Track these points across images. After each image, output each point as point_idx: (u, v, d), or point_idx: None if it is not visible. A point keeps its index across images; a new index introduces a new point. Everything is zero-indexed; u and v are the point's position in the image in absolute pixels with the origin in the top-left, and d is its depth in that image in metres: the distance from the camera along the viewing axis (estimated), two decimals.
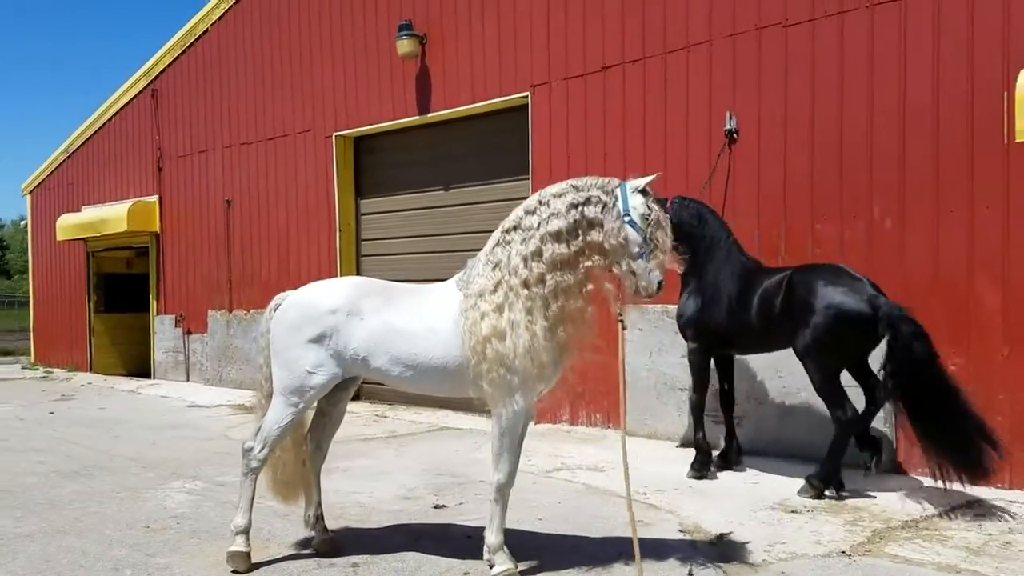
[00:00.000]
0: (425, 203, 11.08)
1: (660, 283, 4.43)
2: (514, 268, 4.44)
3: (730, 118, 7.78)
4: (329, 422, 5.23)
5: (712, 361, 7.14)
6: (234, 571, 4.74)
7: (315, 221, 12.11)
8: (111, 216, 15.28)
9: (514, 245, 4.51)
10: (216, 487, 6.90)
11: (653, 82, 8.40)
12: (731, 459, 7.22)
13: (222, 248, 13.71)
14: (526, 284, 4.39)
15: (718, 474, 7.05)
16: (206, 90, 14.03)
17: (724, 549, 5.17)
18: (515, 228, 4.57)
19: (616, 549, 5.17)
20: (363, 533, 5.56)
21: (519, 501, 6.30)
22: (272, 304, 5.07)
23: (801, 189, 7.37)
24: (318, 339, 4.72)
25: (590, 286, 4.47)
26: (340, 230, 11.78)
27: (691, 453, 7.82)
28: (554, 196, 4.50)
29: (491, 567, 4.58)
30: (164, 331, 15.08)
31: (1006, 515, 5.80)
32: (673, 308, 8.10)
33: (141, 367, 16.04)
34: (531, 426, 9.19)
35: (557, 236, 4.38)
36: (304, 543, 5.27)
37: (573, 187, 4.49)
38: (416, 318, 4.68)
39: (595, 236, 4.37)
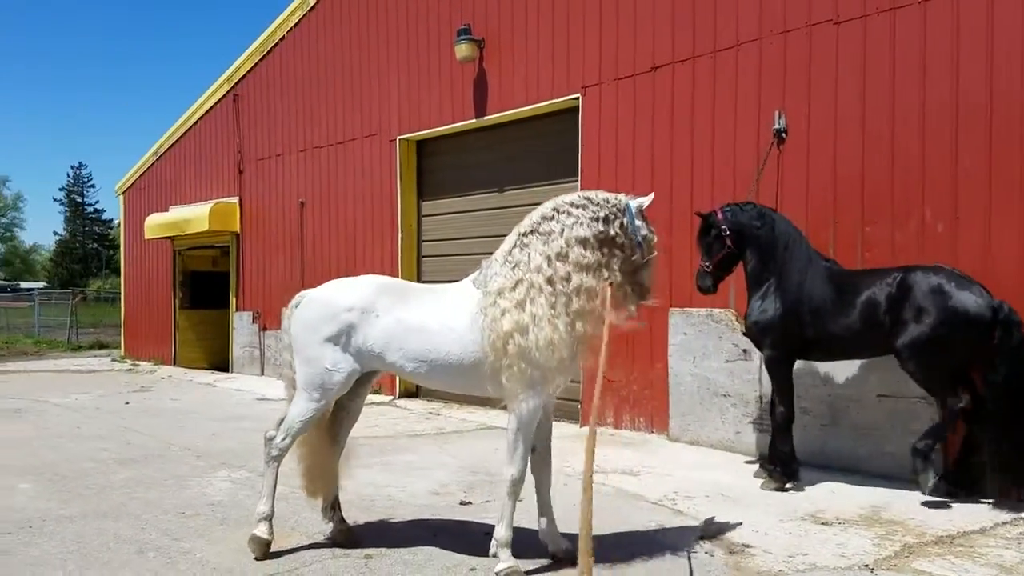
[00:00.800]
0: (481, 205, 11.20)
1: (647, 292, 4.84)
2: (537, 267, 4.60)
3: (779, 117, 7.60)
4: (347, 416, 5.39)
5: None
6: (254, 555, 4.94)
7: (379, 222, 12.39)
8: (194, 216, 15.97)
9: (534, 246, 4.67)
10: (260, 477, 7.12)
11: (702, 81, 8.28)
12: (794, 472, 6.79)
13: (295, 248, 14.17)
14: (550, 281, 4.57)
15: (755, 482, 6.87)
16: (283, 95, 14.52)
17: (740, 558, 5.07)
18: (533, 232, 4.75)
19: (628, 551, 5.13)
20: (385, 526, 5.68)
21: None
22: (292, 302, 5.24)
23: (851, 190, 7.14)
24: (335, 337, 4.89)
25: (608, 293, 4.65)
26: (402, 231, 12.02)
27: (731, 459, 7.73)
28: (572, 205, 4.72)
29: (496, 559, 4.67)
30: (242, 327, 15.67)
31: None
32: (718, 312, 8.00)
33: (223, 361, 16.70)
34: (576, 428, 9.30)
35: (584, 242, 4.60)
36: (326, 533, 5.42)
37: (589, 200, 4.73)
38: (431, 315, 4.83)
39: (617, 250, 4.66)
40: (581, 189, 9.36)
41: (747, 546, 5.28)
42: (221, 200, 15.94)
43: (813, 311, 6.35)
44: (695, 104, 8.35)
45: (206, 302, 18.00)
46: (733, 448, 7.93)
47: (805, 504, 6.23)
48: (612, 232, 4.65)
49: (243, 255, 15.68)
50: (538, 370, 4.53)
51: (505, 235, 10.46)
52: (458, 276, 10.89)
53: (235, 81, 15.76)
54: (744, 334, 7.09)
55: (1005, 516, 5.82)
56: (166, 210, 17.60)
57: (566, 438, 8.85)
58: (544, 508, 5.05)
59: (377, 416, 10.47)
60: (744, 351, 7.72)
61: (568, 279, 4.57)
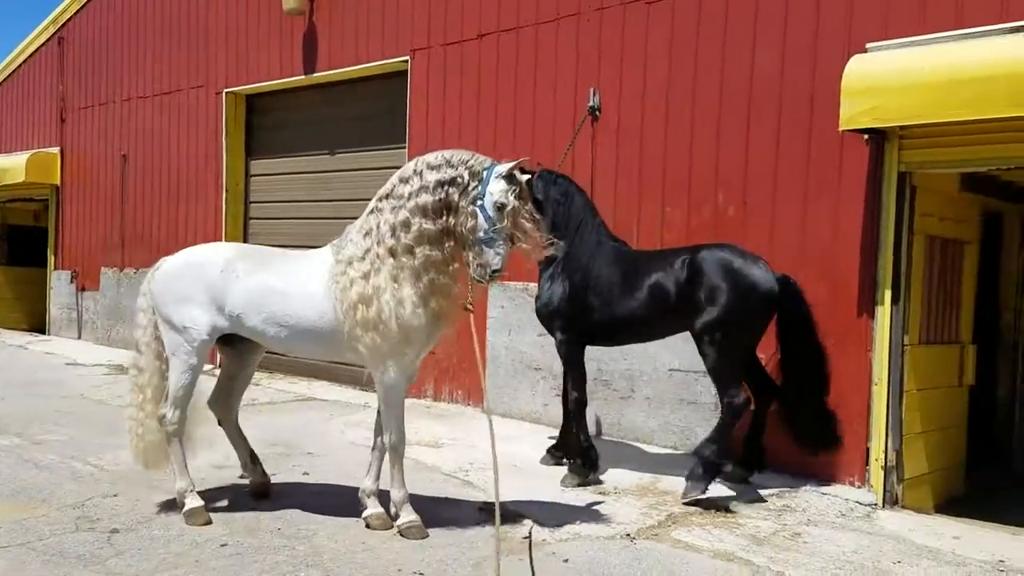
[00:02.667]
0: (312, 167, 10.82)
1: (494, 272, 4.52)
2: (382, 236, 4.59)
3: (594, 94, 7.63)
4: (237, 383, 5.49)
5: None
6: (191, 524, 4.87)
7: (205, 180, 11.79)
8: (10, 166, 14.76)
9: (384, 213, 4.65)
10: (30, 445, 6.67)
11: (525, 52, 8.22)
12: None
13: (117, 204, 13.32)
14: (392, 253, 4.54)
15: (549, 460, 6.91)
16: (110, 40, 13.54)
17: (511, 528, 5.09)
18: (388, 196, 4.70)
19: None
20: (146, 500, 5.36)
21: (328, 472, 6.22)
22: (155, 265, 5.18)
23: (655, 172, 7.26)
24: (194, 293, 4.88)
25: (456, 265, 4.60)
26: (227, 190, 11.47)
27: (538, 430, 7.79)
28: (428, 167, 4.61)
29: (396, 518, 4.88)
30: (60, 287, 14.67)
31: (812, 506, 5.79)
32: (534, 286, 8.00)
33: (43, 323, 15.61)
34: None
35: (424, 211, 4.51)
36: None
37: (447, 161, 4.59)
38: (291, 280, 4.84)
39: (451, 218, 4.51)
40: (409, 155, 9.22)
41: (522, 516, 5.32)
42: (41, 150, 14.79)
43: (598, 295, 6.00)
44: (519, 75, 8.29)
45: (27, 259, 16.72)
46: (541, 420, 8.01)
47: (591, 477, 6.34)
48: (452, 196, 4.46)
49: (63, 210, 14.64)
50: (386, 342, 4.56)
51: (336, 200, 10.35)
52: (286, 240, 10.64)
53: (61, 23, 14.60)
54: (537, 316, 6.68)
55: (775, 488, 6.10)
56: None
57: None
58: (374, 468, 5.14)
59: None
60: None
61: (411, 252, 4.51)
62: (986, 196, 6.80)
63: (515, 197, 4.50)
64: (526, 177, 4.75)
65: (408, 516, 4.88)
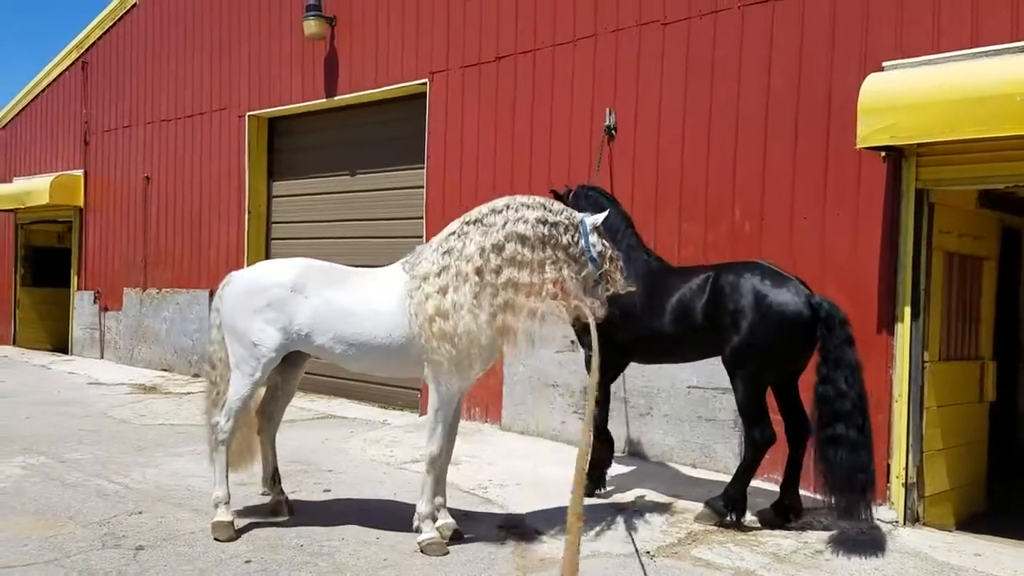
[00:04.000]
0: (333, 188, 10.96)
1: (605, 312, 4.91)
2: (468, 256, 4.78)
3: (610, 114, 7.70)
4: (282, 395, 5.55)
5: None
6: (216, 539, 4.95)
7: (228, 202, 11.95)
8: (35, 188, 15.01)
9: (472, 236, 4.84)
10: (57, 464, 6.77)
11: (542, 74, 8.32)
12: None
13: (139, 226, 13.52)
14: (479, 272, 4.74)
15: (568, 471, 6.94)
16: (133, 65, 13.80)
17: (529, 545, 5.12)
18: (477, 222, 4.89)
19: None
20: (170, 516, 5.44)
21: (348, 489, 6.28)
22: (224, 281, 5.34)
23: (671, 188, 7.30)
24: (263, 310, 5.02)
25: (549, 288, 4.80)
26: (249, 212, 11.63)
27: (556, 447, 7.82)
28: (523, 205, 4.86)
29: (418, 531, 4.97)
30: (83, 307, 14.86)
31: (833, 524, 5.75)
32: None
33: (66, 343, 15.81)
34: (415, 418, 9.23)
35: (523, 239, 4.74)
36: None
37: (543, 204, 4.90)
38: (360, 299, 5.00)
39: (564, 264, 4.79)
40: (428, 175, 9.34)
41: (539, 533, 5.35)
42: (65, 173, 15.05)
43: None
44: (536, 96, 8.38)
45: (50, 280, 16.96)
46: (559, 437, 8.03)
47: (611, 491, 6.35)
48: (564, 240, 4.80)
49: (86, 231, 14.86)
50: (460, 354, 4.75)
51: (356, 219, 10.47)
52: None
53: (84, 48, 14.88)
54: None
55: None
56: (10, 181, 16.50)
57: (400, 428, 8.80)
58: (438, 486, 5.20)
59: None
60: (572, 342, 7.78)
61: (499, 271, 4.72)
62: (1004, 213, 6.79)
63: (604, 242, 4.99)
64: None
65: (429, 533, 4.96)
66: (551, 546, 5.12)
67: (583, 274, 4.85)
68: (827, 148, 6.42)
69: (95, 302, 14.49)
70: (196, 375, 12.17)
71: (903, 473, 5.93)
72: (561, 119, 8.13)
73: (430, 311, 4.75)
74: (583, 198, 6.21)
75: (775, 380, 5.62)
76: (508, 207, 4.87)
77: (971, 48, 5.63)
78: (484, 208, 4.96)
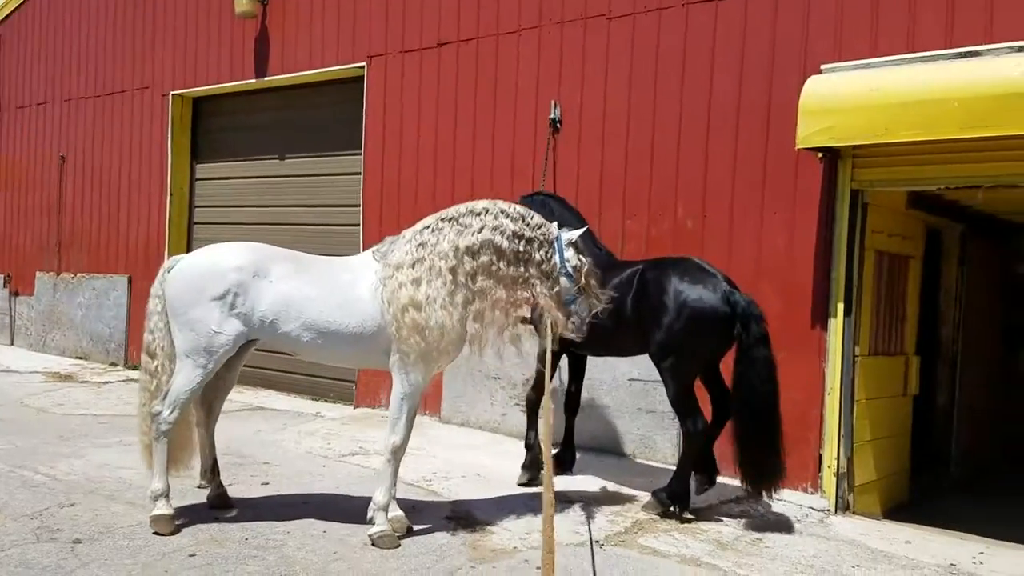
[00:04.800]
0: (261, 171, 10.65)
1: (584, 325, 5.04)
2: (442, 252, 4.81)
3: (555, 107, 7.72)
4: (223, 386, 5.35)
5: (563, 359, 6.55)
6: (156, 533, 4.76)
7: (148, 184, 11.50)
8: None
9: (446, 233, 4.86)
10: None
11: (485, 63, 8.27)
12: (566, 463, 6.60)
13: (54, 207, 12.89)
14: (452, 271, 4.78)
15: (513, 463, 6.96)
16: (49, 39, 13.07)
17: (480, 536, 5.11)
18: (453, 220, 4.91)
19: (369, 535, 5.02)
20: (105, 510, 5.22)
21: (287, 482, 6.15)
22: (166, 266, 5.10)
23: (615, 184, 7.36)
24: (222, 297, 4.81)
25: (521, 311, 4.95)
26: (172, 194, 11.22)
27: (496, 439, 7.83)
28: (503, 212, 4.89)
29: (371, 522, 4.90)
30: None
31: (769, 513, 5.95)
32: None
33: None
34: (349, 410, 9.09)
35: (499, 251, 4.80)
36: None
37: (522, 217, 4.93)
38: (331, 286, 4.91)
39: (536, 280, 4.85)
40: (365, 163, 9.18)
41: (488, 524, 5.34)
42: None
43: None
44: (479, 85, 8.32)
45: None
46: (499, 429, 8.03)
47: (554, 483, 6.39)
48: (537, 257, 4.85)
49: None
50: (429, 347, 4.78)
51: (286, 205, 10.22)
52: None
53: None
54: None
55: (730, 493, 6.24)
56: None
57: (335, 420, 8.65)
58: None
59: (132, 394, 9.62)
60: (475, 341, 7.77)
61: (473, 278, 4.78)
62: (928, 214, 7.10)
63: (581, 257, 5.03)
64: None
65: (382, 525, 4.89)
66: (501, 537, 5.13)
67: (555, 290, 4.89)
68: (766, 148, 6.59)
69: (4, 286, 13.76)
70: (113, 363, 11.72)
71: (834, 463, 6.15)
72: (505, 110, 8.10)
73: (404, 300, 4.74)
74: (528, 203, 6.08)
75: (700, 372, 5.79)
76: (487, 211, 4.90)
77: (907, 53, 5.85)
78: (462, 208, 4.98)
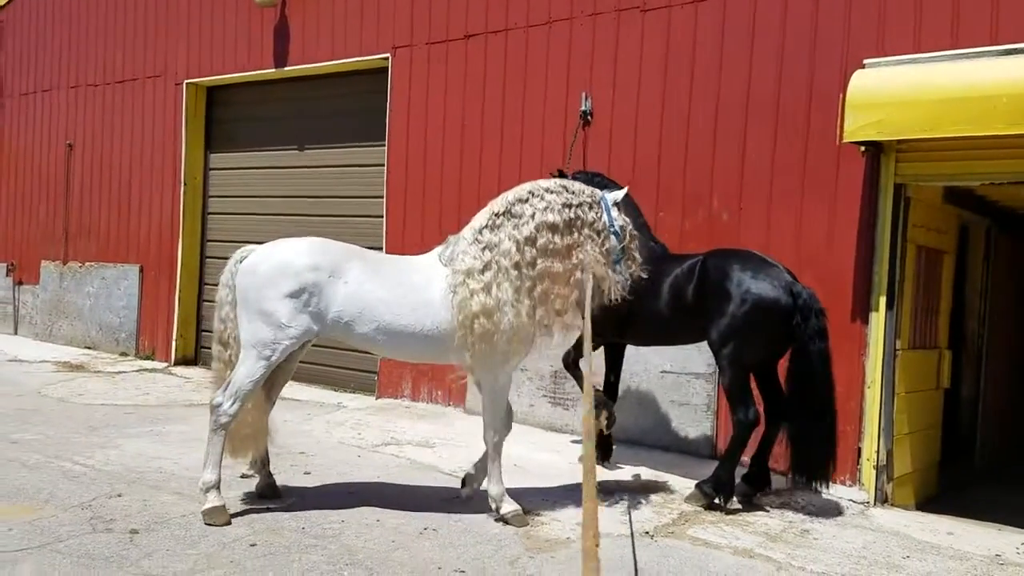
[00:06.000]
0: (278, 162, 10.57)
1: (628, 287, 5.14)
2: (506, 251, 4.85)
3: (586, 99, 7.70)
4: (282, 377, 5.36)
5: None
6: (210, 524, 4.73)
7: (160, 173, 11.39)
8: None
9: (505, 229, 4.90)
10: (8, 444, 6.32)
11: (515, 55, 8.24)
12: (603, 455, 6.54)
13: (60, 196, 12.74)
14: (517, 266, 4.83)
15: (546, 455, 6.97)
16: (56, 24, 12.92)
17: (531, 527, 5.10)
18: (506, 213, 4.95)
19: (422, 524, 5.02)
20: (156, 500, 5.18)
21: (328, 471, 6.12)
22: (237, 257, 5.12)
23: (649, 176, 7.36)
24: (296, 294, 4.83)
25: (578, 275, 4.95)
26: (185, 183, 11.12)
27: (525, 431, 7.77)
28: (547, 191, 4.97)
29: (498, 511, 5.10)
30: None
31: (810, 504, 5.97)
32: None
33: None
34: (371, 401, 9.06)
35: (553, 228, 4.87)
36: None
37: (564, 187, 5.02)
38: (404, 289, 4.95)
39: (588, 240, 4.93)
40: (389, 154, 9.13)
41: (538, 515, 5.33)
42: None
43: (632, 296, 5.61)
44: (507, 77, 8.30)
45: None
46: (527, 421, 7.99)
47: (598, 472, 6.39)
48: (589, 217, 4.94)
49: None
50: (499, 352, 4.86)
51: (305, 196, 10.16)
52: (248, 237, 10.36)
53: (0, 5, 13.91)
54: None
55: (765, 487, 6.25)
56: None
57: (360, 411, 8.62)
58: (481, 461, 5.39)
59: (149, 383, 9.66)
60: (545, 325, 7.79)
61: (534, 264, 4.84)
62: (961, 209, 7.15)
63: (625, 220, 5.17)
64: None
65: (512, 506, 5.10)
66: (552, 527, 5.13)
67: (605, 248, 4.99)
68: (807, 140, 6.60)
69: (8, 275, 13.59)
70: (124, 353, 11.62)
71: (874, 456, 6.19)
72: (534, 103, 8.08)
73: (475, 308, 4.78)
74: (585, 180, 6.18)
75: (757, 363, 5.79)
76: (532, 194, 4.98)
77: (951, 50, 5.88)
78: (509, 196, 5.03)
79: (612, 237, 5.03)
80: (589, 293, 4.89)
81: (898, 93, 5.71)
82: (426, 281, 5.00)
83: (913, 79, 5.74)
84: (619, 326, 6.11)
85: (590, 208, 4.99)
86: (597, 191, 5.12)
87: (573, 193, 4.99)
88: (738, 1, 6.94)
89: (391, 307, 4.90)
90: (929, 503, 6.66)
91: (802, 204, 6.61)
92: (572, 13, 7.86)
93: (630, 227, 5.14)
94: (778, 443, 5.89)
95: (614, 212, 5.08)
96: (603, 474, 6.39)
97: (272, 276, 4.86)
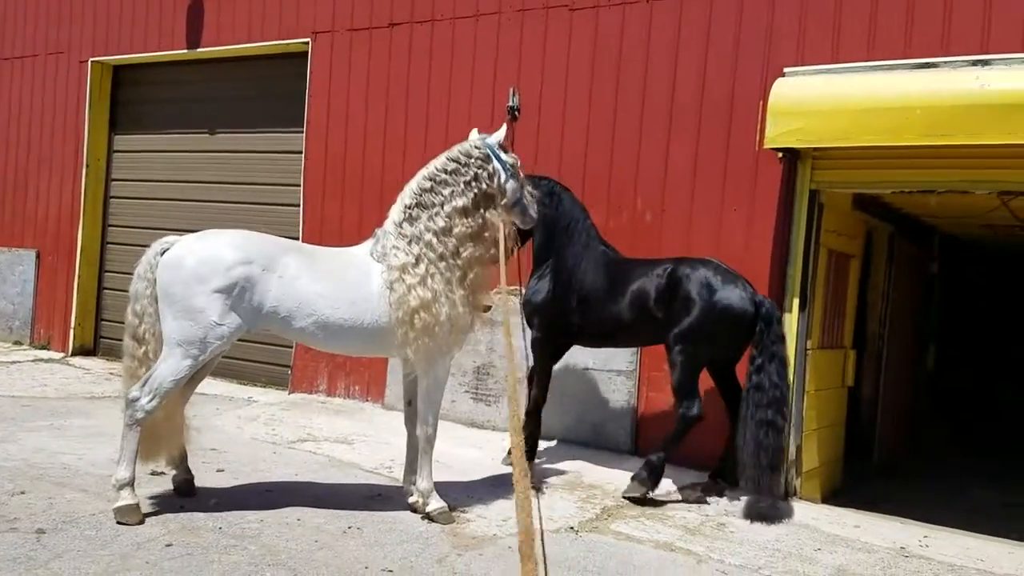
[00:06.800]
0: (187, 146, 10.17)
1: (529, 213, 5.37)
2: (428, 243, 4.86)
3: (513, 95, 7.68)
4: (203, 372, 5.16)
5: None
6: (121, 522, 4.53)
7: (61, 155, 10.82)
8: None
9: (422, 221, 4.91)
10: None
11: (441, 47, 8.16)
12: (530, 455, 6.57)
13: None
14: (442, 257, 4.86)
15: (469, 451, 6.95)
16: None
17: (457, 524, 5.07)
18: (417, 205, 4.96)
19: (345, 522, 4.92)
20: (60, 498, 4.91)
21: (241, 469, 5.94)
22: (156, 248, 4.81)
23: (575, 176, 7.36)
24: (227, 290, 4.64)
25: (493, 250, 5.02)
26: (87, 166, 10.59)
27: (446, 427, 7.64)
28: (446, 171, 4.98)
29: (425, 507, 5.05)
30: None
31: (724, 499, 6.12)
32: None
33: None
34: (284, 396, 8.84)
35: (464, 212, 4.92)
36: None
37: (455, 160, 5.03)
38: (341, 283, 4.87)
39: (493, 206, 5.02)
40: (307, 141, 8.91)
41: (464, 511, 5.30)
42: None
43: (582, 298, 6.18)
44: (433, 69, 8.21)
45: None
46: (447, 416, 7.85)
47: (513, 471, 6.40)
48: (484, 187, 4.98)
49: None
50: (441, 343, 4.86)
51: (216, 182, 9.82)
52: (154, 222, 9.96)
53: None
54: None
55: (685, 479, 6.40)
56: None
57: (272, 406, 8.39)
58: (412, 460, 5.28)
59: (46, 374, 9.18)
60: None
61: (458, 253, 4.88)
62: (869, 215, 7.46)
63: (513, 156, 5.27)
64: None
65: (438, 503, 5.06)
66: (479, 524, 5.11)
67: (505, 202, 5.12)
68: (728, 145, 6.76)
69: None
70: (18, 342, 11.02)
71: (785, 451, 6.38)
72: (460, 95, 8.02)
73: (414, 304, 4.77)
74: (535, 186, 6.26)
75: (707, 361, 6.04)
76: (435, 181, 5.00)
77: (867, 61, 6.12)
78: (414, 187, 5.04)
79: (510, 181, 5.13)
80: (503, 246, 4.96)
81: (817, 102, 5.90)
82: (363, 276, 4.92)
83: (832, 89, 5.95)
84: (574, 328, 6.31)
85: (482, 169, 5.02)
86: (480, 143, 5.13)
87: (467, 166, 5.00)
88: (664, 5, 7.05)
89: (330, 301, 4.80)
90: (834, 496, 6.93)
91: (722, 207, 6.78)
92: (500, 8, 7.83)
93: (518, 163, 5.27)
94: (699, 434, 6.07)
95: (502, 154, 5.15)
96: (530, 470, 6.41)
97: (200, 271, 4.62)
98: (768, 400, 5.68)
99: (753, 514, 5.66)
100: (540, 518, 5.18)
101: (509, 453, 6.51)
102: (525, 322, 6.51)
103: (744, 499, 5.81)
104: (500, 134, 5.21)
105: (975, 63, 5.68)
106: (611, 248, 6.43)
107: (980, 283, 12.09)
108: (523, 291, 6.52)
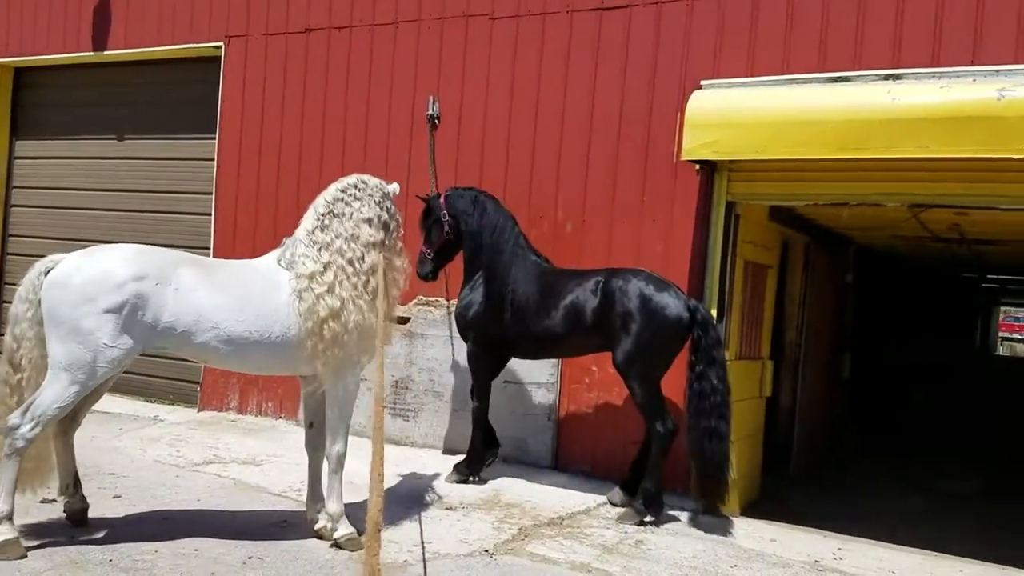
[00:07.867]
0: (93, 152, 9.73)
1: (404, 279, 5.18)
2: (339, 249, 4.78)
3: (433, 103, 7.52)
4: (96, 394, 4.83)
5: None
6: (1, 559, 4.23)
7: None
8: None
9: (333, 228, 4.84)
10: None
11: (359, 53, 7.95)
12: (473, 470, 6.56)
13: None
14: (351, 263, 4.78)
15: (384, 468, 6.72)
16: None
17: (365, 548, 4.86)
18: (329, 213, 4.90)
19: (246, 552, 4.68)
20: None
21: (140, 495, 5.64)
22: (40, 268, 4.52)
23: (495, 185, 7.21)
24: (118, 309, 4.34)
25: (397, 263, 5.05)
26: None
27: (361, 444, 7.44)
28: (355, 187, 4.98)
29: (333, 532, 4.85)
30: None
31: (643, 515, 6.04)
32: None
33: None
34: (193, 414, 8.49)
35: (370, 222, 4.89)
36: None
37: (365, 183, 5.05)
38: (244, 294, 4.65)
39: (392, 232, 5.03)
40: (219, 148, 8.59)
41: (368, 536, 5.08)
42: None
43: (516, 310, 6.13)
44: (351, 75, 8.00)
45: None
46: (364, 434, 7.65)
47: (432, 490, 6.24)
48: (386, 215, 4.99)
49: None
50: (351, 351, 4.73)
51: (124, 190, 9.40)
52: (59, 232, 9.49)
53: None
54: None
55: (602, 497, 6.32)
56: None
57: (179, 425, 8.04)
58: (315, 485, 5.08)
59: None
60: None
61: (363, 259, 4.81)
62: (784, 226, 7.53)
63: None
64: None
65: (346, 528, 4.86)
66: (388, 550, 4.89)
67: (394, 238, 5.09)
68: (646, 156, 6.73)
69: None
70: None
71: None
72: (379, 103, 7.83)
73: (323, 313, 4.62)
74: (458, 198, 6.39)
75: (663, 375, 6.00)
76: (345, 192, 4.97)
77: (782, 75, 6.16)
78: (327, 196, 4.98)
79: (394, 225, 5.11)
80: (382, 284, 4.88)
81: (733, 115, 5.90)
82: (270, 286, 4.72)
83: (747, 102, 5.96)
84: (509, 341, 6.28)
85: (385, 203, 5.04)
86: (384, 185, 5.13)
87: (374, 189, 5.04)
88: (583, 16, 6.99)
89: (233, 313, 4.56)
90: (752, 508, 6.93)
91: (641, 218, 6.74)
92: (420, 15, 7.67)
93: (399, 218, 5.24)
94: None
95: (388, 202, 5.13)
96: (446, 490, 6.25)
97: (88, 289, 4.32)
98: (710, 406, 5.71)
99: (658, 532, 5.66)
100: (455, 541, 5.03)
101: (455, 468, 6.52)
102: (460, 335, 6.52)
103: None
104: (395, 186, 5.23)
105: (887, 77, 5.76)
106: (542, 257, 6.41)
107: (893, 292, 12.40)
108: (452, 304, 6.47)
